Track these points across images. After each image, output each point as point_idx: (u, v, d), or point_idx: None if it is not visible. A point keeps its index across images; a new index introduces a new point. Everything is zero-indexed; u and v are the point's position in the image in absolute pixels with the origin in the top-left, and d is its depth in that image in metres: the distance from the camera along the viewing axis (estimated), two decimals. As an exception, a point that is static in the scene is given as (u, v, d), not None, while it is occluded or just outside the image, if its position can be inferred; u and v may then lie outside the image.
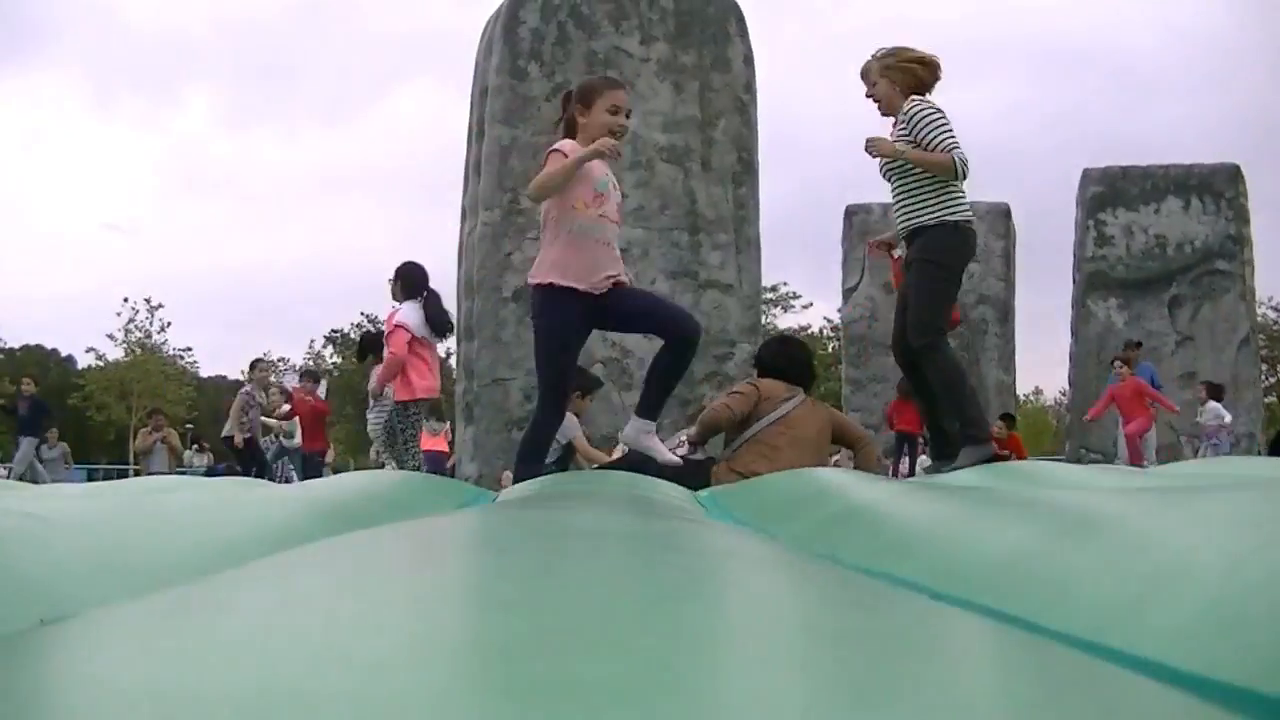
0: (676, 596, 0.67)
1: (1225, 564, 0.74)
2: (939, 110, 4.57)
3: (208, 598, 0.67)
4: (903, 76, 4.68)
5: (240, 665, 0.43)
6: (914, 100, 4.61)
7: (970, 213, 4.65)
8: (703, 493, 3.40)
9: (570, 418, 6.38)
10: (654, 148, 9.11)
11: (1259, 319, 17.03)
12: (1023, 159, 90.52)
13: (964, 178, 4.51)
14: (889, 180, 4.73)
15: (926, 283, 4.58)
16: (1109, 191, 15.85)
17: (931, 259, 4.56)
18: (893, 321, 4.93)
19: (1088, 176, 16.10)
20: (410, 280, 6.72)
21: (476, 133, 9.68)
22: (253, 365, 11.84)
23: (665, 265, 9.07)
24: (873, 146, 4.65)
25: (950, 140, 4.49)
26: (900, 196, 4.65)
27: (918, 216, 4.58)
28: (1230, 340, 14.96)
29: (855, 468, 5.33)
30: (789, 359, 5.46)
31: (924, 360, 4.60)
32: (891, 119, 4.73)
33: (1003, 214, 16.96)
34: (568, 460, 6.92)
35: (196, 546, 1.16)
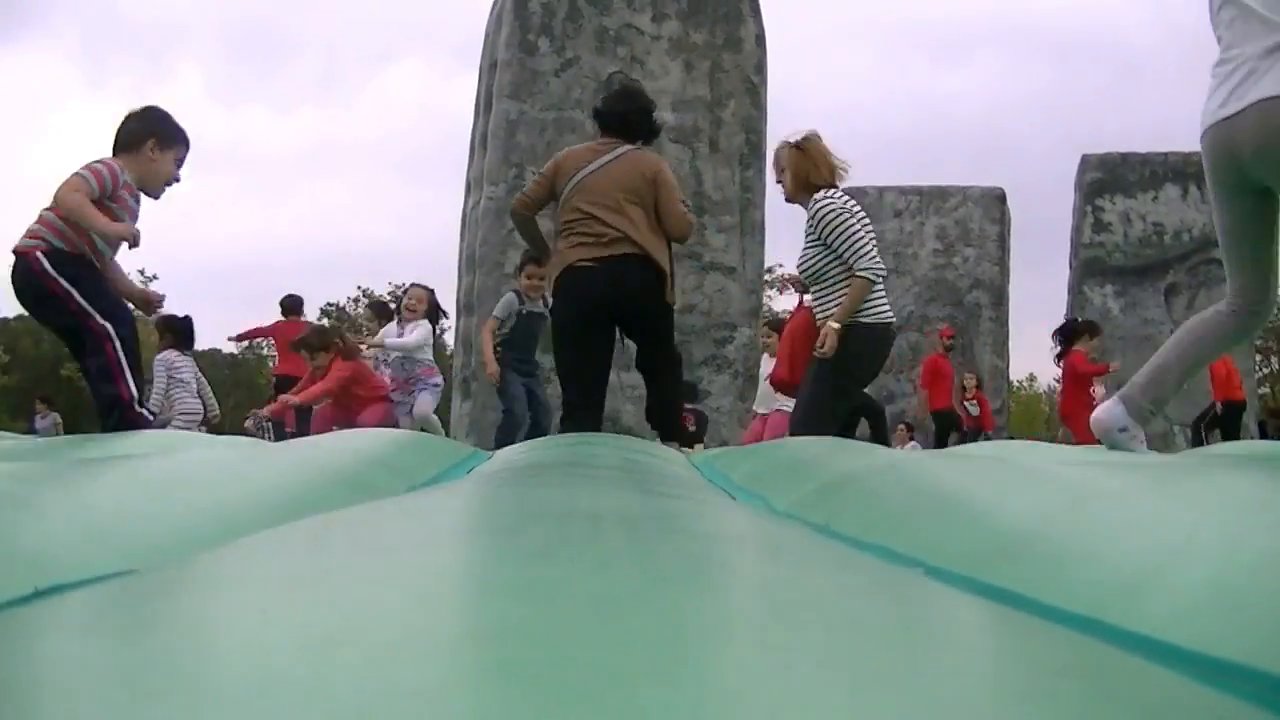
0: (679, 578, 0.67)
1: (1225, 542, 0.74)
2: (844, 210, 4.42)
3: (200, 575, 0.67)
4: (805, 166, 4.54)
5: (235, 645, 0.43)
6: (818, 200, 4.45)
7: (890, 314, 4.55)
8: (698, 458, 3.41)
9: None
10: (663, 127, 9.12)
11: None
12: (1021, 143, 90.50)
13: (880, 282, 4.42)
14: (806, 281, 4.62)
15: (826, 386, 4.42)
16: (1107, 178, 15.83)
17: (841, 362, 4.39)
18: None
19: (1086, 162, 16.08)
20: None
21: (484, 105, 9.63)
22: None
23: (669, 247, 9.06)
24: (822, 352, 4.41)
25: (858, 249, 4.35)
26: (819, 295, 4.53)
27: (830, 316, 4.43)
28: (1226, 330, 14.96)
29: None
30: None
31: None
32: (796, 204, 4.63)
33: (998, 198, 16.95)
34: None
35: (191, 513, 1.16)
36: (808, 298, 4.95)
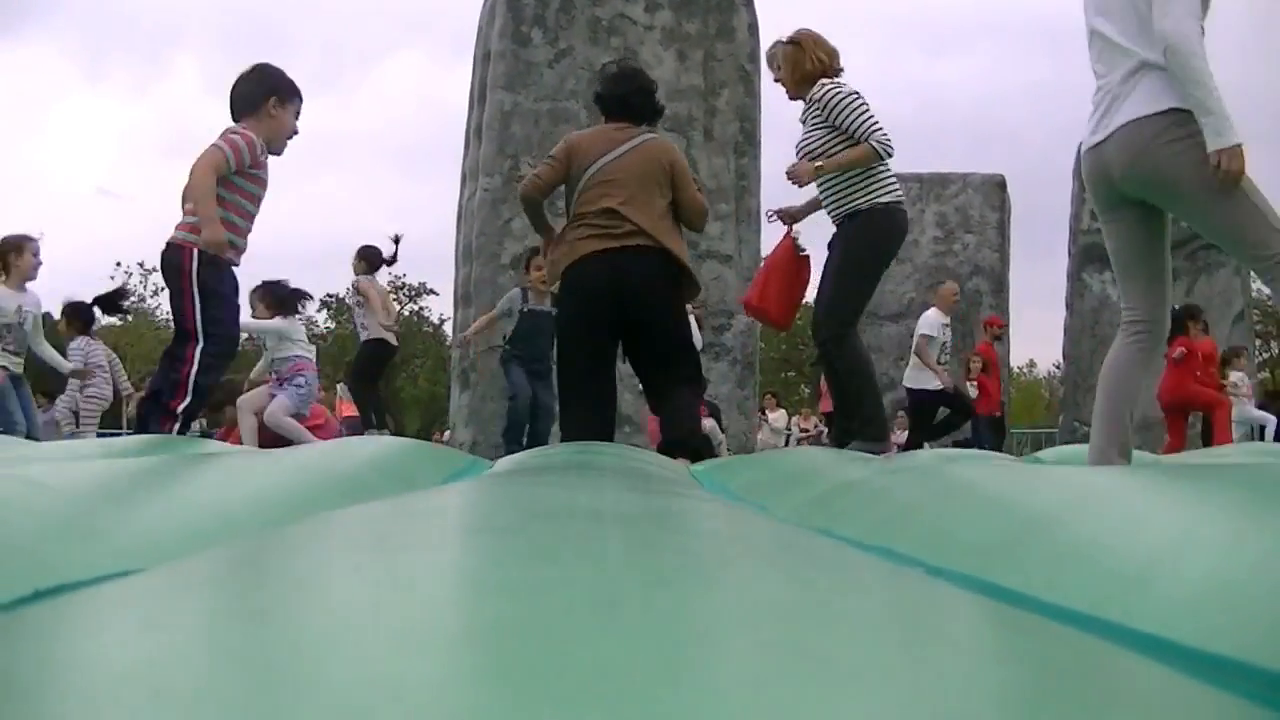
0: (674, 572, 0.67)
1: (1224, 540, 0.74)
2: (854, 93, 4.45)
3: (199, 575, 0.67)
4: (810, 61, 4.56)
5: (235, 644, 0.43)
6: (825, 84, 4.48)
7: (900, 193, 4.55)
8: (698, 467, 3.40)
9: None
10: (664, 107, 9.10)
11: (1254, 294, 17.06)
12: (1020, 131, 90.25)
13: (888, 157, 4.41)
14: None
15: (853, 271, 4.46)
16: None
17: (865, 246, 4.44)
18: (850, 296, 4.68)
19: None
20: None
21: (478, 96, 9.62)
22: None
23: (664, 235, 9.05)
24: (794, 178, 4.50)
25: (869, 124, 4.38)
26: (826, 183, 4.52)
27: (850, 201, 4.46)
28: (1225, 315, 14.97)
29: None
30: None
31: (831, 350, 4.48)
32: (800, 102, 4.64)
33: (998, 185, 16.92)
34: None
35: (191, 514, 1.16)
36: (804, 200, 4.87)
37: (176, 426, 3.84)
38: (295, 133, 4.16)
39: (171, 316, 3.97)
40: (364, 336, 8.15)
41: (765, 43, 9.90)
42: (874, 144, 4.35)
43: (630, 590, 0.56)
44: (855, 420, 4.51)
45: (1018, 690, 0.44)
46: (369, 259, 8.20)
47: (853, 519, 1.36)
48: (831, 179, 4.47)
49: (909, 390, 9.37)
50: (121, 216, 76.26)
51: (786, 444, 10.59)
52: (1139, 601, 0.72)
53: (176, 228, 3.97)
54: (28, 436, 6.27)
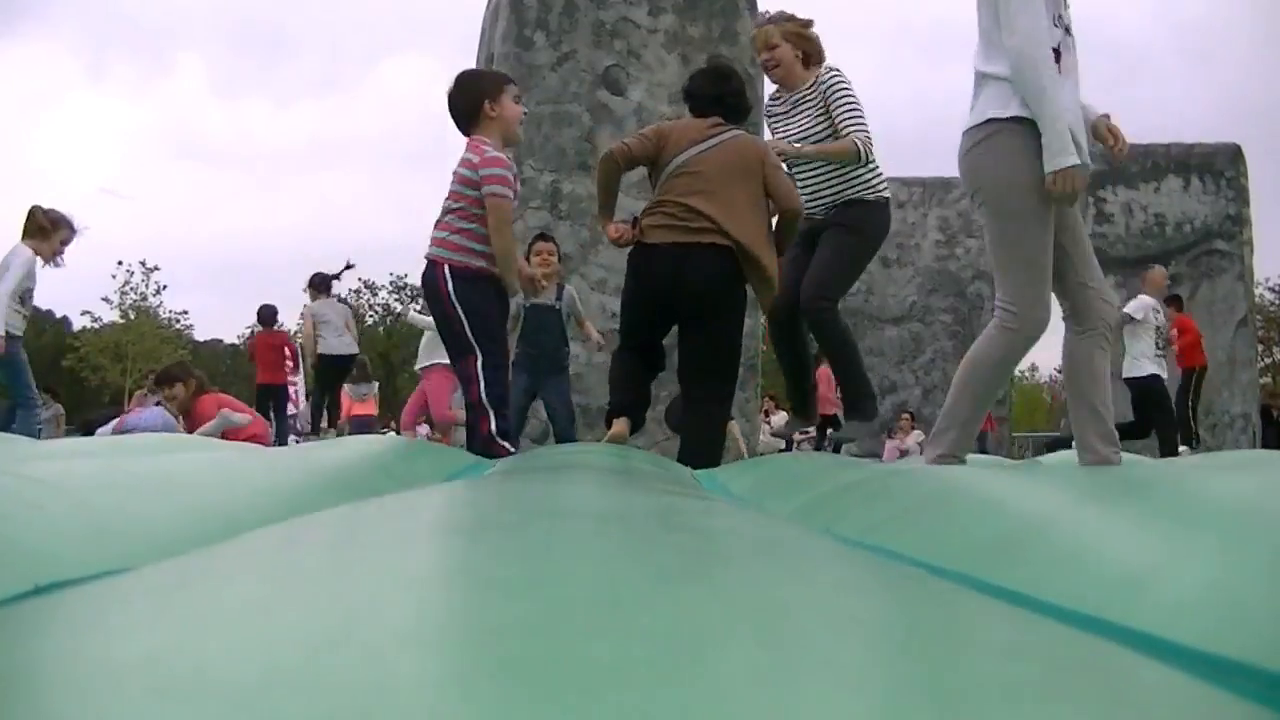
0: (679, 575, 0.67)
1: (1223, 542, 0.74)
2: (853, 87, 4.48)
3: (199, 571, 0.67)
4: (807, 45, 4.57)
5: (234, 641, 0.43)
6: (832, 71, 4.50)
7: (887, 190, 4.60)
8: (700, 470, 3.40)
9: None
10: (660, 119, 9.08)
11: (1257, 300, 17.04)
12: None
13: (865, 161, 4.42)
14: (796, 163, 4.57)
15: (848, 251, 4.48)
16: (1109, 169, 15.79)
17: (866, 234, 4.49)
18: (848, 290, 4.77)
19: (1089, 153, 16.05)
20: None
21: (482, 98, 9.66)
22: None
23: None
24: (781, 155, 4.41)
25: (858, 125, 4.40)
26: (818, 169, 4.51)
27: (851, 188, 4.47)
28: (1228, 321, 14.95)
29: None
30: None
31: (818, 325, 4.48)
32: (789, 89, 4.61)
33: (1002, 190, 16.89)
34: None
35: (192, 512, 1.16)
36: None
37: (507, 445, 3.84)
38: (524, 113, 4.19)
39: (453, 346, 3.97)
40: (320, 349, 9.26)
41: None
42: (858, 143, 4.36)
43: (630, 588, 0.56)
44: (848, 394, 4.61)
45: (1020, 688, 0.43)
46: (315, 285, 9.34)
47: (852, 519, 1.36)
48: (829, 167, 4.47)
49: (1127, 380, 9.03)
50: (124, 216, 76.41)
51: (789, 447, 10.53)
52: (1139, 602, 0.72)
53: (431, 242, 3.98)
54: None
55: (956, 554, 0.97)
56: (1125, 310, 8.79)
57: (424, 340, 8.63)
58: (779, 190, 4.27)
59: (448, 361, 7.75)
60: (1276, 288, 42.59)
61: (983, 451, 13.30)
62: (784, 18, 4.65)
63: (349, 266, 9.54)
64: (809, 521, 1.46)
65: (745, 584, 0.65)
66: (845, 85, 4.46)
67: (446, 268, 3.86)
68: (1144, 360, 8.91)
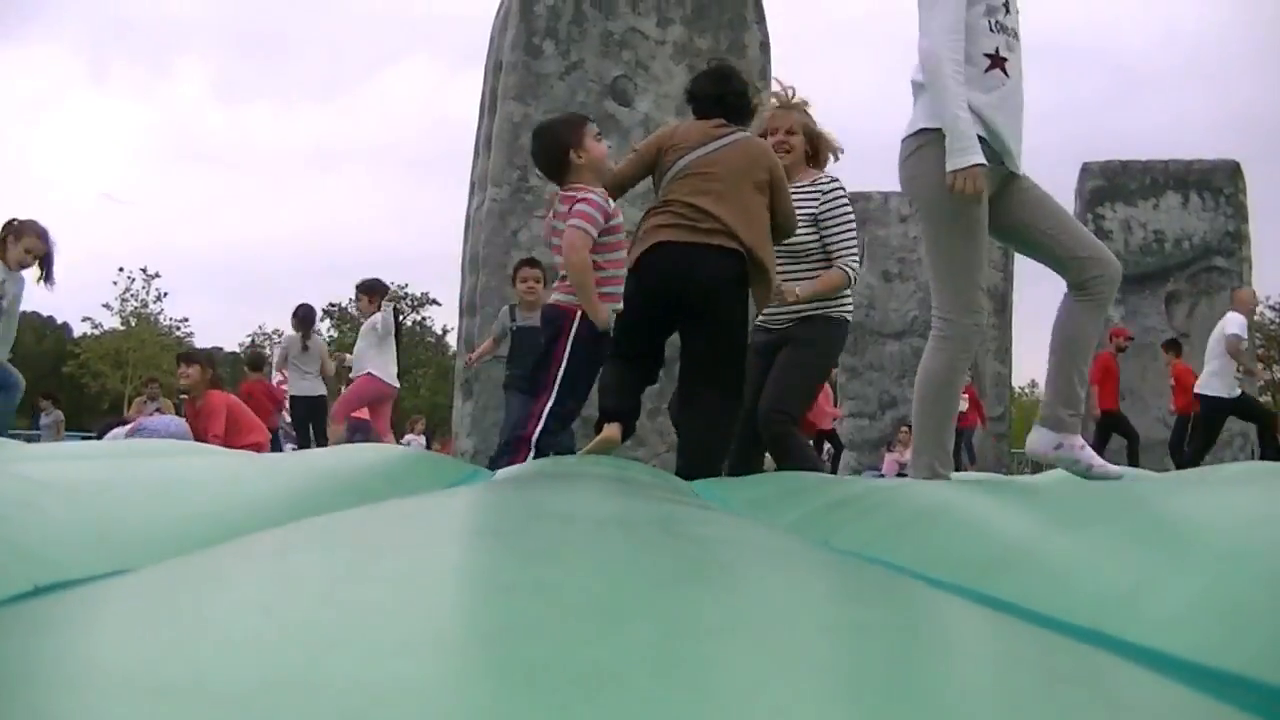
0: (679, 580, 0.67)
1: (1221, 554, 0.74)
2: (850, 207, 4.47)
3: (198, 573, 0.67)
4: (818, 143, 4.55)
5: (234, 644, 0.43)
6: (834, 182, 4.47)
7: (851, 308, 4.57)
8: (699, 482, 3.39)
9: None
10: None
11: (1256, 318, 17.04)
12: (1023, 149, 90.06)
13: (851, 285, 4.44)
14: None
15: (809, 368, 4.43)
16: (1108, 185, 15.83)
17: (819, 349, 4.45)
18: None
19: (1087, 170, 16.06)
20: None
21: (489, 106, 9.65)
22: None
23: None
24: (781, 299, 4.36)
25: (851, 252, 4.39)
26: (793, 269, 4.46)
27: (815, 306, 4.39)
28: (1226, 338, 14.95)
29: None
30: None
31: (776, 440, 4.34)
32: (787, 180, 4.48)
33: (1003, 205, 16.90)
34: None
35: (193, 515, 1.16)
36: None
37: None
38: (607, 149, 4.19)
39: (536, 375, 4.05)
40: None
41: (776, 60, 9.91)
42: (848, 272, 4.38)
43: (630, 594, 0.56)
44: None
45: (1018, 698, 0.43)
46: (300, 317, 9.39)
47: (851, 531, 1.36)
48: (798, 276, 4.42)
49: (1202, 398, 9.04)
50: (125, 222, 76.49)
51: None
52: (1135, 614, 0.72)
53: (557, 288, 4.01)
54: None
55: (953, 566, 0.97)
56: (1233, 332, 8.77)
57: (358, 347, 8.79)
58: (783, 210, 4.24)
59: (374, 373, 8.07)
60: (1276, 305, 42.63)
61: (968, 449, 13.17)
62: (804, 106, 4.63)
63: (397, 307, 9.21)
64: (806, 534, 1.46)
65: (744, 591, 0.65)
66: (845, 204, 4.42)
67: (578, 317, 3.89)
68: (1230, 379, 8.92)
